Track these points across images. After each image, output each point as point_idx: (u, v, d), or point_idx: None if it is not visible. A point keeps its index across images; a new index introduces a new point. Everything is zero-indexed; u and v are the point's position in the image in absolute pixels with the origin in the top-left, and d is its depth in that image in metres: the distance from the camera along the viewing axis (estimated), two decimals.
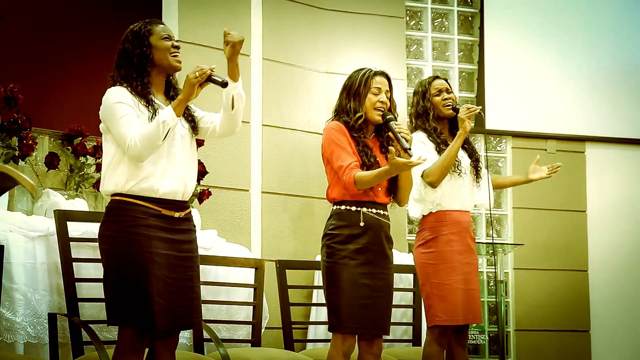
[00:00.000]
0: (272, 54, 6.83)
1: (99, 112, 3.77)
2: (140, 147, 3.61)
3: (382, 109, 4.22)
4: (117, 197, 3.72)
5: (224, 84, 3.74)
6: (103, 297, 3.74)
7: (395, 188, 4.30)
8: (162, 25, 3.86)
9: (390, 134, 4.18)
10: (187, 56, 6.33)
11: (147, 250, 3.65)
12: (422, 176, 4.65)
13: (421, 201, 4.73)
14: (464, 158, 4.81)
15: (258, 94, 6.73)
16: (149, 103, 3.74)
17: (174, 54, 3.81)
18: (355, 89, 4.24)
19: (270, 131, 6.75)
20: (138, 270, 3.63)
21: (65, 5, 7.41)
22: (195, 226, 3.88)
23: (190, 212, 3.85)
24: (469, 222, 4.81)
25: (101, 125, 3.78)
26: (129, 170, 3.70)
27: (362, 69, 4.30)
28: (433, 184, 4.64)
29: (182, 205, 3.80)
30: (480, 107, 4.83)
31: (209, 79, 3.71)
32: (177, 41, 3.85)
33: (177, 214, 3.77)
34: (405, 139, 4.10)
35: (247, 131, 6.62)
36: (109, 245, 3.68)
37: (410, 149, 4.09)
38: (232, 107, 3.86)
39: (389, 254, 4.26)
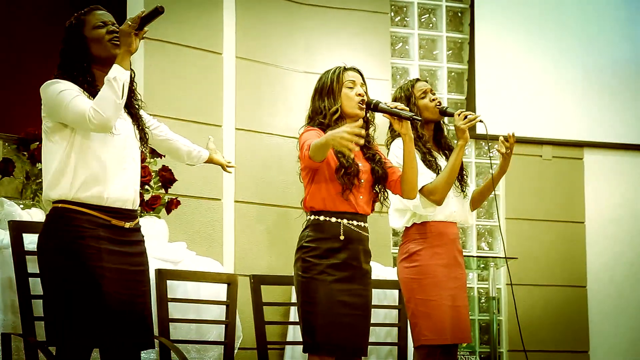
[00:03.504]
0: (246, 52, 6.83)
1: (42, 110, 3.72)
2: (102, 112, 3.58)
3: (361, 102, 4.26)
4: (60, 205, 3.68)
5: (157, 10, 3.66)
6: None
7: (380, 194, 4.33)
8: (96, 12, 3.83)
9: (385, 115, 4.23)
10: (155, 55, 6.38)
11: (97, 264, 3.63)
12: (422, 192, 4.62)
13: (404, 211, 4.73)
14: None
15: (231, 96, 6.74)
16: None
17: (112, 40, 3.76)
18: (327, 88, 4.28)
19: (244, 135, 6.76)
20: (87, 286, 3.60)
21: (20, 4, 7.38)
22: (144, 236, 3.87)
23: (139, 222, 3.84)
24: (456, 234, 4.81)
25: (46, 125, 3.73)
26: (76, 174, 3.66)
27: (330, 69, 4.36)
28: (438, 202, 4.63)
29: (131, 214, 3.79)
30: (480, 114, 4.77)
31: (143, 21, 3.67)
32: (113, 24, 3.80)
33: (127, 224, 3.76)
34: (403, 110, 4.18)
35: (220, 135, 6.62)
36: (52, 258, 3.65)
37: (415, 114, 4.22)
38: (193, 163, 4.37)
39: (368, 269, 4.28)
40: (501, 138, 4.83)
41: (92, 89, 3.73)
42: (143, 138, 3.90)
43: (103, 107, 3.59)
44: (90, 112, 3.58)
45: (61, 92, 3.66)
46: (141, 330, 3.76)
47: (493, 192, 4.99)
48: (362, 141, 3.94)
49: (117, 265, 3.69)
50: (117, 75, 3.61)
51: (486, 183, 4.96)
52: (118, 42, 3.72)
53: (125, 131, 3.78)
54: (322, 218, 4.20)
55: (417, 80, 4.91)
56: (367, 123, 4.36)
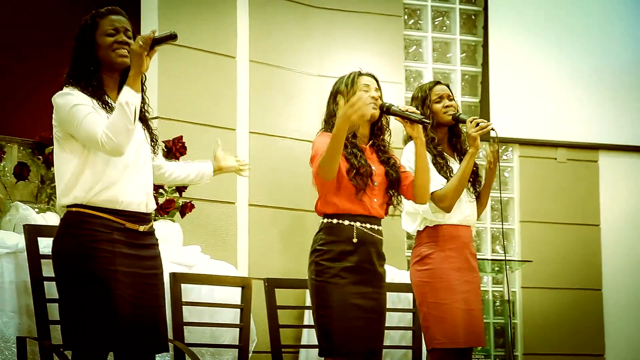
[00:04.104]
0: (260, 56, 6.84)
1: (53, 117, 3.72)
2: (114, 138, 3.58)
3: (375, 104, 4.29)
4: (75, 209, 3.69)
5: (171, 36, 3.66)
6: None
7: (393, 198, 4.35)
8: (112, 17, 3.79)
9: (397, 118, 4.29)
10: (170, 59, 6.39)
11: (111, 268, 3.64)
12: (431, 198, 4.62)
13: (415, 214, 4.74)
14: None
15: (244, 99, 6.75)
16: (105, 104, 3.71)
17: (119, 50, 3.74)
18: (342, 92, 4.32)
19: (258, 139, 6.77)
20: (100, 290, 3.61)
21: (35, 6, 7.42)
22: (158, 240, 3.88)
23: (153, 225, 3.85)
24: (470, 237, 4.82)
25: (57, 134, 3.73)
26: (92, 179, 3.66)
27: (346, 74, 4.40)
28: (447, 209, 4.65)
29: (145, 218, 3.80)
30: (492, 123, 4.78)
31: (155, 42, 3.64)
32: (125, 32, 3.77)
33: (141, 228, 3.76)
34: (414, 113, 4.25)
35: (233, 139, 6.64)
36: (67, 262, 3.66)
37: (424, 117, 4.28)
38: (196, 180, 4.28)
39: (382, 272, 4.29)
40: (489, 149, 4.80)
41: (99, 92, 3.73)
42: (153, 140, 3.92)
43: (115, 133, 3.58)
44: (102, 137, 3.58)
45: (73, 106, 3.65)
46: (154, 333, 3.77)
47: (501, 194, 4.97)
48: (372, 102, 4.12)
49: (131, 268, 3.70)
50: (128, 100, 3.59)
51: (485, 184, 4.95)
52: (125, 55, 3.72)
53: (137, 135, 3.78)
54: (335, 221, 4.22)
55: (437, 83, 4.91)
56: (382, 128, 4.39)
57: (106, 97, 3.75)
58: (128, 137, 3.62)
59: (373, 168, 4.26)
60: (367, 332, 4.18)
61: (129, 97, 3.60)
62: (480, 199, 4.93)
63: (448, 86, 4.92)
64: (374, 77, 4.39)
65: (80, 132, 3.63)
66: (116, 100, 3.69)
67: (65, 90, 3.72)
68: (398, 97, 7.13)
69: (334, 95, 4.37)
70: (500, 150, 7.67)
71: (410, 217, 4.79)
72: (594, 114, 7.92)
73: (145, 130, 3.88)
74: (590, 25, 8.00)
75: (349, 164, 4.20)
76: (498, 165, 4.87)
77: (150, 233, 3.83)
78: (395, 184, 4.35)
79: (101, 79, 3.77)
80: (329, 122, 4.32)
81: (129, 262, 3.70)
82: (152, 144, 3.91)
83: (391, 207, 4.41)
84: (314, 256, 4.23)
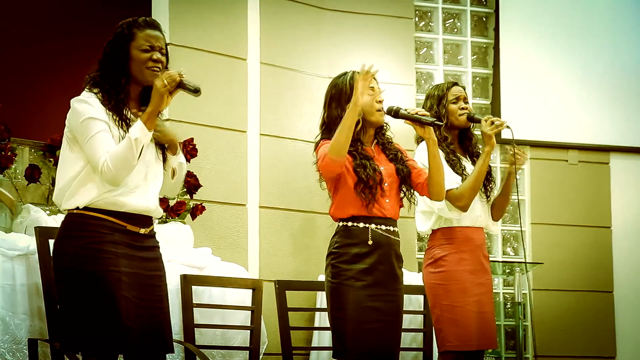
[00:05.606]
0: (270, 58, 6.85)
1: (67, 119, 3.70)
2: (114, 170, 3.57)
3: (381, 108, 4.29)
4: (77, 211, 3.68)
5: (195, 90, 3.66)
6: None
7: (407, 194, 4.35)
8: (149, 31, 3.74)
9: (407, 122, 4.27)
10: (179, 61, 6.39)
11: (115, 269, 3.63)
12: (447, 197, 4.59)
13: (430, 213, 4.73)
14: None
15: (255, 101, 6.75)
16: (122, 120, 3.68)
17: (152, 68, 3.71)
18: (347, 95, 4.24)
19: (269, 141, 6.77)
20: (105, 291, 3.60)
21: (48, 9, 7.44)
22: (158, 242, 3.86)
23: (153, 228, 3.84)
24: (483, 239, 4.81)
25: (67, 134, 3.71)
26: (96, 190, 3.65)
27: (342, 74, 4.34)
28: (464, 208, 4.64)
29: (147, 221, 3.78)
30: (507, 121, 4.78)
31: (180, 85, 3.63)
32: (160, 50, 3.74)
33: (142, 230, 3.75)
34: (424, 115, 4.23)
35: (244, 141, 6.64)
36: (69, 263, 3.64)
37: (435, 120, 4.27)
38: (173, 177, 3.91)
39: (399, 274, 4.28)
40: (514, 150, 4.84)
41: (120, 105, 3.69)
42: (164, 154, 3.86)
43: (116, 166, 3.57)
44: (103, 165, 3.57)
45: (87, 119, 3.62)
46: (159, 335, 3.76)
47: (517, 197, 4.98)
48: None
49: (134, 270, 3.70)
50: (139, 137, 3.58)
51: (501, 190, 4.94)
52: (156, 73, 3.67)
53: (148, 148, 3.73)
54: (350, 224, 4.22)
55: (455, 84, 4.91)
56: (382, 126, 4.38)
57: (125, 110, 3.71)
58: (128, 172, 3.62)
59: (382, 168, 4.25)
60: (382, 334, 4.17)
61: (140, 134, 3.59)
62: (497, 203, 4.90)
63: (464, 89, 4.92)
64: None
65: (86, 148, 3.63)
66: (133, 111, 3.69)
67: (86, 95, 3.69)
68: (409, 99, 7.12)
69: (337, 97, 4.29)
70: (511, 152, 7.66)
71: (425, 215, 4.78)
72: (605, 116, 7.90)
73: (158, 148, 3.82)
74: (601, 27, 7.97)
75: (357, 177, 4.18)
76: (515, 168, 4.87)
77: (152, 236, 3.82)
78: (407, 179, 4.33)
79: (128, 92, 3.74)
80: (332, 127, 4.25)
81: (132, 263, 3.70)
82: (164, 159, 3.85)
83: (403, 208, 4.40)
84: (329, 259, 4.23)
